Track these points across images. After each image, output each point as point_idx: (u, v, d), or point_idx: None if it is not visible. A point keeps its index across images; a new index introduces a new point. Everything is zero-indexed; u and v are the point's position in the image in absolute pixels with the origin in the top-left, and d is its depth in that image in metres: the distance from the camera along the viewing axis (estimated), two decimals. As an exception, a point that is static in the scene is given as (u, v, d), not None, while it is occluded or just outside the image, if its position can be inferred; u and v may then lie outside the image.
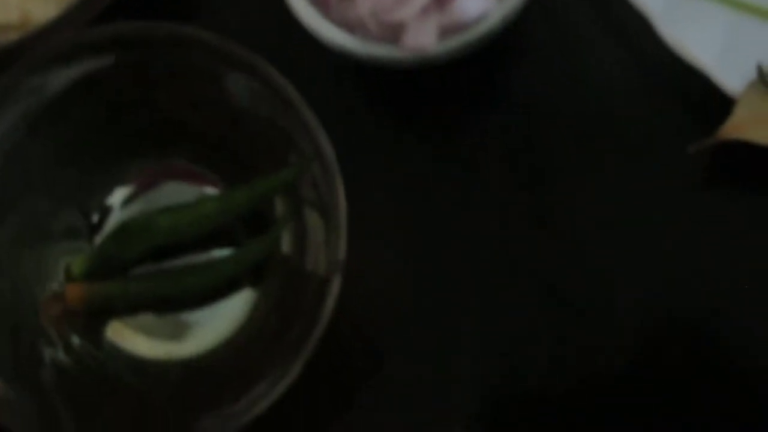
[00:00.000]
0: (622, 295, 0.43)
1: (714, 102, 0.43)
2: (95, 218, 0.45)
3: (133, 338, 0.44)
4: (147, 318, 0.44)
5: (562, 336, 0.43)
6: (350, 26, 0.42)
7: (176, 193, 0.45)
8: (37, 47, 0.41)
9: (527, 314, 0.44)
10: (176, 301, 0.44)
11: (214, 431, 0.39)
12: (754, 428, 0.42)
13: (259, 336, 0.43)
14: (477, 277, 0.44)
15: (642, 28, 0.44)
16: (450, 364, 0.43)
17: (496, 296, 0.44)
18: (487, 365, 0.43)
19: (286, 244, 0.44)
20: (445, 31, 0.41)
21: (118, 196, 0.45)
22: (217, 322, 0.44)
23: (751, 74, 0.42)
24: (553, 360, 0.43)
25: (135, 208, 0.45)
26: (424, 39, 0.41)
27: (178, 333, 0.44)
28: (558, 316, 0.43)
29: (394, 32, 0.41)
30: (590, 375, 0.43)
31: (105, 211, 0.45)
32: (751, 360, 0.43)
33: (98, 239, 0.45)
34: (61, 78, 0.42)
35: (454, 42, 0.41)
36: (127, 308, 0.44)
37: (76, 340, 0.43)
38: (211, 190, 0.45)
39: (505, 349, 0.43)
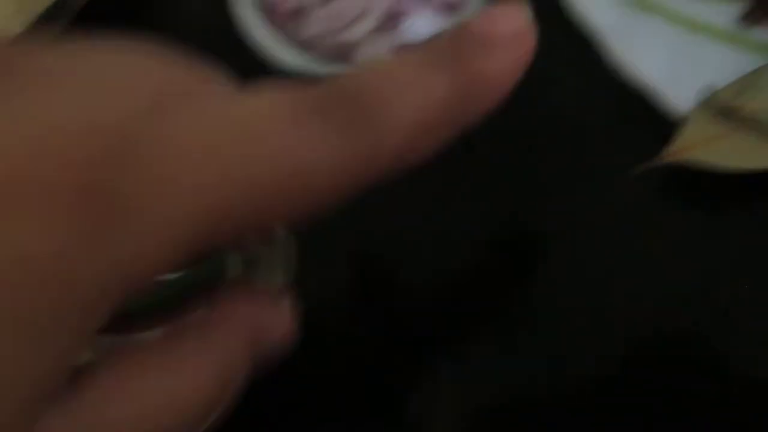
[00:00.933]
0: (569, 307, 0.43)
1: (667, 122, 0.43)
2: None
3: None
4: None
5: (545, 345, 0.42)
6: (303, 45, 0.42)
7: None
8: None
9: (504, 323, 0.43)
10: (123, 323, 0.43)
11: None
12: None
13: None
14: (445, 284, 0.44)
15: (594, 44, 0.44)
16: (429, 372, 0.43)
17: (470, 305, 0.43)
18: (468, 375, 0.42)
19: (234, 265, 0.43)
20: (397, 51, 0.42)
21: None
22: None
23: (699, 94, 0.42)
24: (537, 368, 0.42)
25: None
26: (375, 59, 0.41)
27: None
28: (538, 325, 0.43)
29: (346, 52, 0.41)
30: (573, 381, 0.42)
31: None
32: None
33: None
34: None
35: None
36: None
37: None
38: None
39: (487, 357, 0.42)
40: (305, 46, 0.42)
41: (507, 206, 0.44)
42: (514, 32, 0.20)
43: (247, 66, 0.44)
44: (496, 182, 0.45)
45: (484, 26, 0.20)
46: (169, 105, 0.18)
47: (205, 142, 0.18)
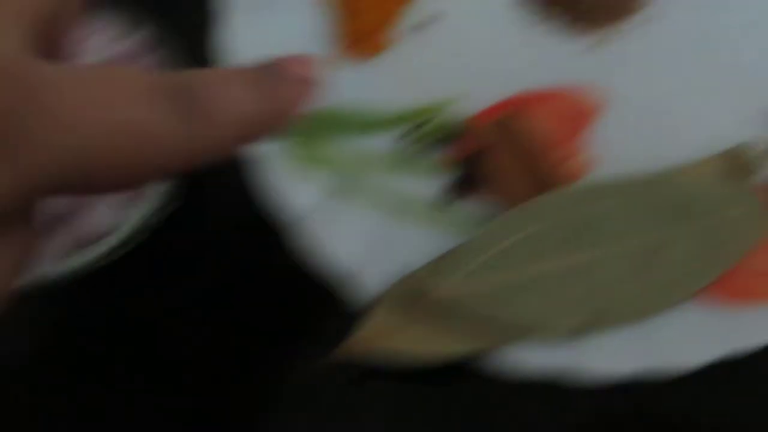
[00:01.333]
0: None
1: (357, 310, 0.39)
2: None
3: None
4: None
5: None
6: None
7: None
8: None
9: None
10: None
11: None
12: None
13: None
14: None
15: (283, 230, 0.41)
16: None
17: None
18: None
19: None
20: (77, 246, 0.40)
21: None
22: None
23: (390, 279, 0.39)
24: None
25: None
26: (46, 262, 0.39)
27: None
28: None
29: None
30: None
31: None
32: None
33: None
34: None
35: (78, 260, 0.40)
36: None
37: None
38: None
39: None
40: None
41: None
42: (308, 75, 0.27)
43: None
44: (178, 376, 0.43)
45: (289, 66, 0.27)
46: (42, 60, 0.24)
47: (81, 97, 0.23)
